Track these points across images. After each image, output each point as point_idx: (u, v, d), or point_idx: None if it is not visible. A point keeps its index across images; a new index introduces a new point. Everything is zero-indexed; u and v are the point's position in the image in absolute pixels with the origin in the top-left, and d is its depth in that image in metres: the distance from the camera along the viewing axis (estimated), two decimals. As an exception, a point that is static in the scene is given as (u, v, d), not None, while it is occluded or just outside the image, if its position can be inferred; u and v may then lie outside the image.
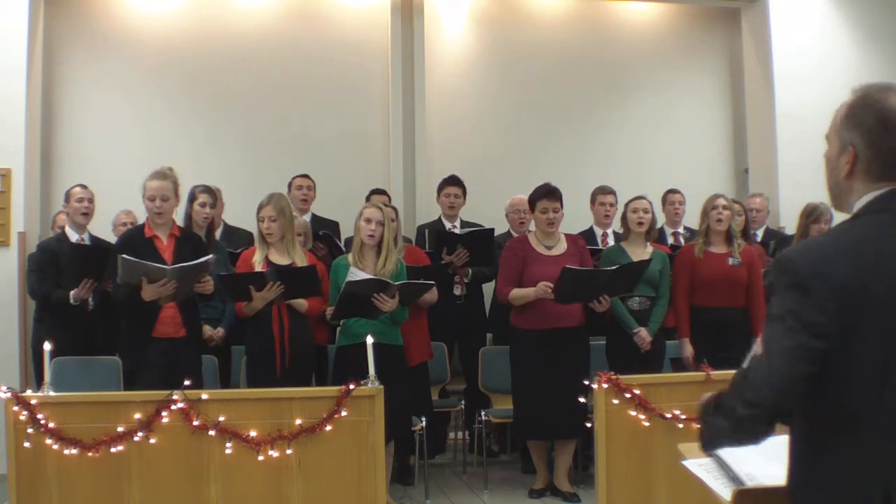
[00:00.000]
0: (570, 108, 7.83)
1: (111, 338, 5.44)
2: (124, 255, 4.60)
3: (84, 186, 5.74)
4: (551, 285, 5.12)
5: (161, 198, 4.82)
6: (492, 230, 6.14)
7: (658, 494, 4.49)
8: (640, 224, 5.52)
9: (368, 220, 5.06)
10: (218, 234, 6.04)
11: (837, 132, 1.85)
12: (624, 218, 5.64)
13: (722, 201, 5.56)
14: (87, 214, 5.70)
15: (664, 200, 6.65)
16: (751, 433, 1.80)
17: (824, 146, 1.90)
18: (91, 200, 5.72)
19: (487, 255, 6.02)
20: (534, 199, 5.46)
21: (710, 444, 1.90)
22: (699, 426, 1.92)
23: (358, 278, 4.87)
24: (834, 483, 1.74)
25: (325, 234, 5.95)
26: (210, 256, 4.73)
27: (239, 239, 6.11)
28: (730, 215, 5.56)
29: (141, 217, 5.35)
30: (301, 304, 5.02)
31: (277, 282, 4.82)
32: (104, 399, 4.34)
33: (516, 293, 5.30)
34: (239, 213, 6.33)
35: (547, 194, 5.40)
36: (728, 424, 1.79)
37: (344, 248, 5.89)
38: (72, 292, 5.30)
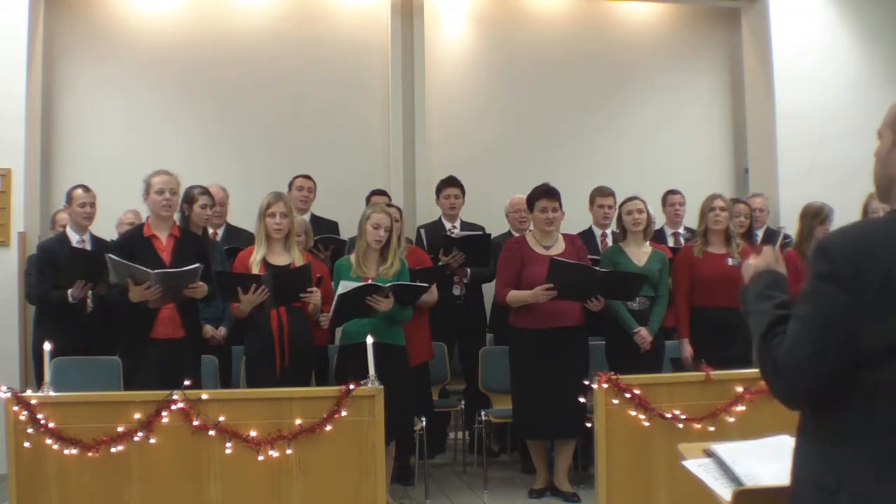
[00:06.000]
0: (570, 108, 7.83)
1: (109, 339, 5.44)
2: (111, 255, 4.60)
3: (86, 189, 5.70)
4: (548, 286, 5.12)
5: (170, 191, 4.83)
6: (487, 236, 6.16)
7: (658, 494, 4.48)
8: (636, 225, 5.53)
9: (377, 227, 5.06)
10: (220, 234, 6.03)
11: (891, 126, 1.85)
12: (619, 220, 5.64)
13: (720, 202, 5.55)
14: (90, 218, 5.68)
15: (664, 201, 6.64)
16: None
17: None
18: (93, 204, 5.69)
19: (483, 257, 6.05)
20: (532, 199, 5.47)
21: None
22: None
23: (347, 290, 4.87)
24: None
25: (324, 238, 5.94)
26: (198, 265, 4.66)
27: (242, 240, 6.06)
28: (728, 216, 5.56)
29: (146, 218, 5.33)
30: (316, 304, 5.00)
31: (263, 287, 4.75)
32: (104, 399, 4.33)
33: (513, 295, 5.32)
34: (237, 213, 6.30)
35: (545, 194, 5.41)
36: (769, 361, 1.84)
37: (346, 243, 5.93)
38: (70, 291, 5.29)
